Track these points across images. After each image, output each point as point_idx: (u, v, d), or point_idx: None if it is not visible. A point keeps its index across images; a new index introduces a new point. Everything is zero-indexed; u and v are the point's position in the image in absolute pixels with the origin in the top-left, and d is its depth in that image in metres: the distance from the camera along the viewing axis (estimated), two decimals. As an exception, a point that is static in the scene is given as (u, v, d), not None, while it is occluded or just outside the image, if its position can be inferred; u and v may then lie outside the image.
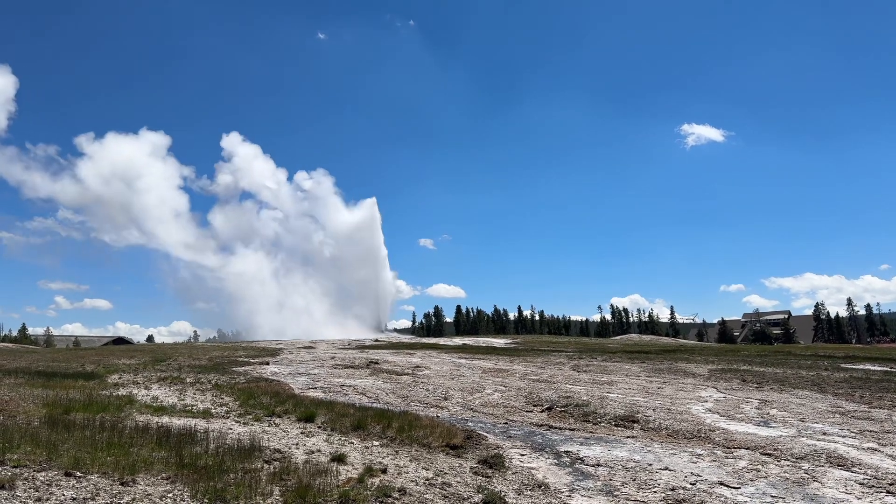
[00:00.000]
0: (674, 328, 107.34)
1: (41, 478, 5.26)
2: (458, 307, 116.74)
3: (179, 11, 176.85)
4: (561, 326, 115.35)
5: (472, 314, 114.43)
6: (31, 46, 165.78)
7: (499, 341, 46.29)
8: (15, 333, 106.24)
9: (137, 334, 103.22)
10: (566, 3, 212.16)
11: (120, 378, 16.20)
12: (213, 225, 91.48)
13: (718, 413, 12.05)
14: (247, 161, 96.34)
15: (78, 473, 5.46)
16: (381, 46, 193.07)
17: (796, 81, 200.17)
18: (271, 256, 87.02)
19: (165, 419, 9.47)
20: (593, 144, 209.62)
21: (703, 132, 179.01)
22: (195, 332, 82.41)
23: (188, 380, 15.76)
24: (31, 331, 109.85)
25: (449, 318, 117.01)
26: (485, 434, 9.82)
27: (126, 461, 5.98)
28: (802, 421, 11.18)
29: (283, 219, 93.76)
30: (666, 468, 7.78)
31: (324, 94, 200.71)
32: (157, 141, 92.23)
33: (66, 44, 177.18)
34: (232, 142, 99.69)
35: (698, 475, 7.46)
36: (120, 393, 12.89)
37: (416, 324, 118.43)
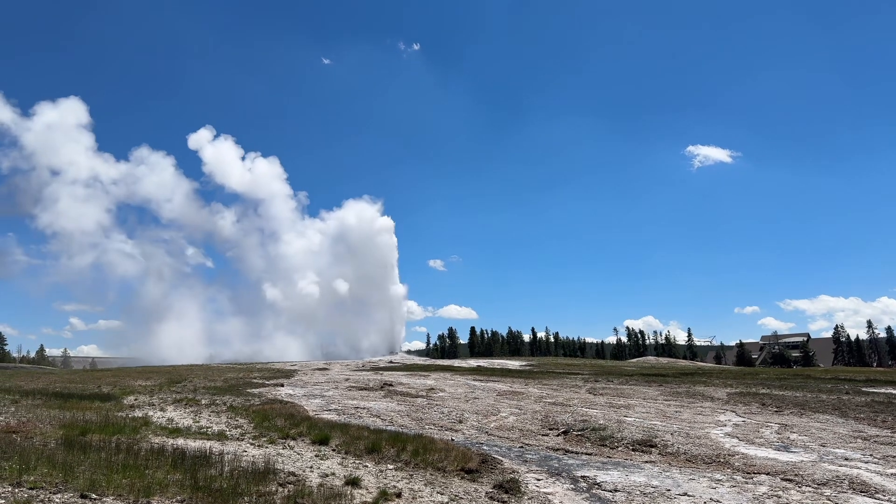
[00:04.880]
0: (691, 351, 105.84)
1: (57, 500, 5.28)
2: (472, 329, 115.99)
3: (185, 37, 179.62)
4: (576, 348, 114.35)
5: (486, 336, 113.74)
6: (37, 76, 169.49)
7: (514, 363, 46.00)
8: (33, 355, 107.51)
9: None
10: (571, 25, 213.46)
11: (136, 399, 16.28)
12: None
13: (738, 437, 11.85)
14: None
15: (93, 496, 5.48)
16: (387, 70, 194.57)
17: (802, 100, 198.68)
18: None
19: (181, 441, 9.49)
20: (599, 166, 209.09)
21: (709, 153, 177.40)
22: (210, 353, 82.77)
23: (203, 401, 15.79)
24: (48, 352, 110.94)
25: (463, 340, 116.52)
26: (500, 458, 9.73)
27: (141, 483, 6.00)
28: (824, 446, 10.97)
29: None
30: (685, 494, 7.65)
31: (330, 119, 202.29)
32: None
33: (73, 61, 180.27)
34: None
35: (718, 501, 7.33)
36: (136, 414, 12.95)
37: (430, 345, 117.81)
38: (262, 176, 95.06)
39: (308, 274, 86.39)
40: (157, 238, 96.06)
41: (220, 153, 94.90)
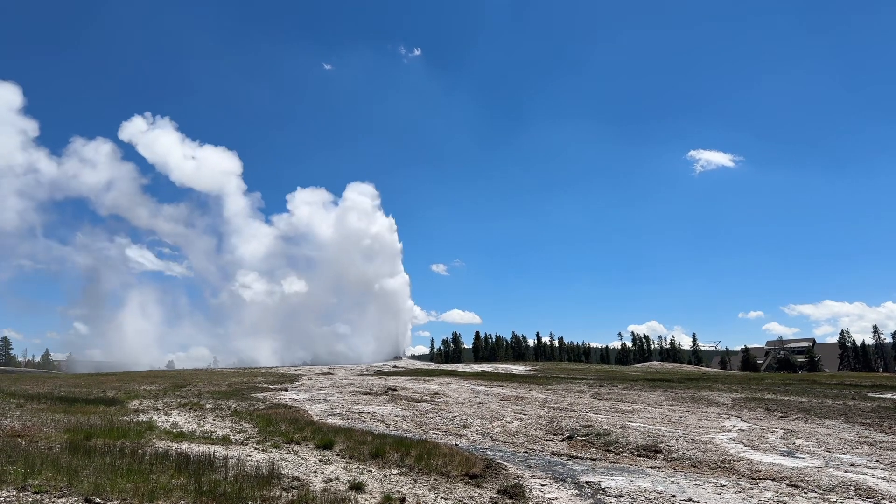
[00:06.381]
0: (696, 356, 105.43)
1: (62, 504, 5.29)
2: (477, 333, 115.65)
3: (187, 44, 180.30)
4: (581, 353, 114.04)
5: (490, 341, 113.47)
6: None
7: (518, 368, 45.90)
8: (38, 359, 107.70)
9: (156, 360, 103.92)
10: (572, 29, 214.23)
11: (140, 404, 16.31)
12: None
13: (743, 443, 11.80)
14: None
15: (98, 500, 5.49)
16: (388, 75, 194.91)
17: (804, 104, 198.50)
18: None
19: (185, 445, 9.50)
20: (601, 170, 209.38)
21: (711, 157, 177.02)
22: (215, 357, 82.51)
23: (208, 406, 15.81)
24: (53, 356, 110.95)
25: (467, 345, 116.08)
26: (504, 463, 9.71)
27: (146, 488, 6.00)
28: (829, 451, 10.90)
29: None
30: (690, 499, 7.61)
31: (332, 124, 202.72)
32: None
33: (75, 62, 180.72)
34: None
35: (723, 507, 7.29)
36: (140, 419, 12.97)
37: (434, 350, 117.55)
38: (217, 172, 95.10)
39: (293, 274, 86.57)
40: (129, 238, 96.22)
41: (156, 144, 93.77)
